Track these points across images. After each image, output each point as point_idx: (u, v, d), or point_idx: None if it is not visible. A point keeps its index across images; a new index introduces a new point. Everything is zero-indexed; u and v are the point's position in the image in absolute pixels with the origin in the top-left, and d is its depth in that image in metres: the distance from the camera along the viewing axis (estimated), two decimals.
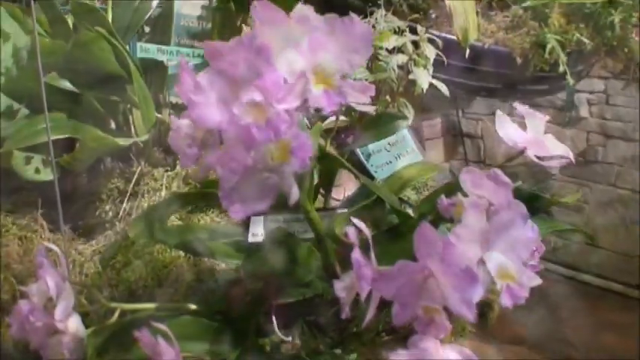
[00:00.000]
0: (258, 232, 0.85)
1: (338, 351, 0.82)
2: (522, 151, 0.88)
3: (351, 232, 0.69)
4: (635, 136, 3.37)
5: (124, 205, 0.97)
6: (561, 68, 1.83)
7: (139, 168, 0.99)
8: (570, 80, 1.84)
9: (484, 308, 1.16)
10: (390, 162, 1.23)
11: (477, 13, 1.73)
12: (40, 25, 1.04)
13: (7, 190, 0.98)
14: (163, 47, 1.00)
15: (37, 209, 0.94)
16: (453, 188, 0.84)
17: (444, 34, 1.72)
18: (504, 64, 1.83)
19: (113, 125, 1.03)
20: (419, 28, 1.26)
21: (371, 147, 1.26)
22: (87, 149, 0.90)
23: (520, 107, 0.90)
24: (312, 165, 0.79)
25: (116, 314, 0.83)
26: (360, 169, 1.17)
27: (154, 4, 1.03)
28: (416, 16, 1.81)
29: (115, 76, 0.95)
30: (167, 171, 1.01)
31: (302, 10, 0.58)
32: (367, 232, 0.70)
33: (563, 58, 1.82)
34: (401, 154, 1.28)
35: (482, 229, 0.67)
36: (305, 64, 0.56)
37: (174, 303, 0.88)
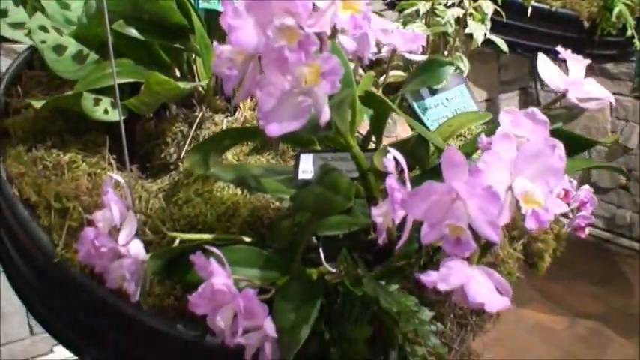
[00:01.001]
0: (307, 170, 0.90)
1: (381, 282, 0.86)
2: (564, 94, 0.90)
3: (387, 161, 0.74)
4: None
5: (186, 147, 1.04)
6: (629, 32, 1.82)
7: (201, 113, 1.05)
8: (638, 44, 1.82)
9: (535, 257, 1.19)
10: (447, 117, 1.26)
11: None
12: None
13: (78, 131, 1.05)
14: None
15: (105, 148, 1.02)
16: (494, 129, 0.87)
17: None
18: (571, 27, 1.83)
19: (178, 73, 1.09)
20: None
21: (428, 101, 1.29)
22: (151, 92, 0.96)
23: (562, 51, 0.92)
24: (353, 99, 0.84)
25: (176, 242, 0.89)
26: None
27: None
28: None
29: (178, 25, 1.02)
30: (227, 117, 1.07)
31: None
32: (403, 161, 0.74)
33: (630, 22, 1.80)
34: (458, 109, 1.31)
35: (511, 159, 0.70)
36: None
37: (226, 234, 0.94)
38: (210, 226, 0.97)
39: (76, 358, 1.03)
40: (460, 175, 0.66)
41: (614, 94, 3.31)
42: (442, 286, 0.67)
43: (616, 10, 1.75)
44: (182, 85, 0.96)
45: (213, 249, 0.81)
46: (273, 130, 0.62)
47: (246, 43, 0.59)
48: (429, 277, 0.69)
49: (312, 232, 0.82)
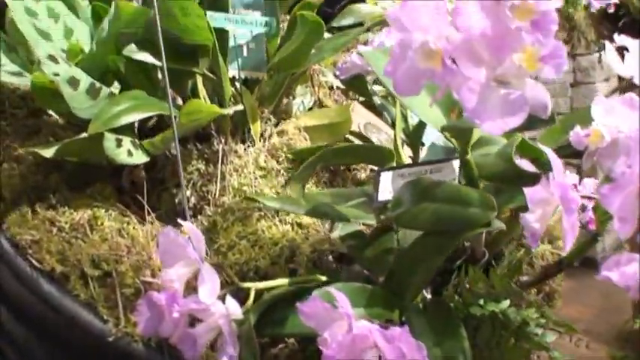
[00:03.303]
0: (387, 189, 0.80)
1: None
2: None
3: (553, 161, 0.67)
4: None
5: (213, 187, 0.90)
6: None
7: (220, 146, 0.92)
8: None
9: None
10: None
11: None
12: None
13: (76, 184, 0.89)
14: (230, 16, 0.93)
15: (124, 196, 0.86)
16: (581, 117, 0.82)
17: None
18: None
19: (180, 101, 0.95)
20: None
21: None
22: (181, 126, 0.82)
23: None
24: None
25: (251, 294, 0.76)
26: None
27: None
28: None
29: (191, 48, 0.88)
30: (248, 147, 0.94)
31: None
32: (558, 160, 0.67)
33: None
34: None
35: None
36: None
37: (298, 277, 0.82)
38: (265, 271, 0.84)
39: None
40: None
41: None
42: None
43: None
44: (225, 111, 0.82)
45: (332, 289, 0.69)
46: (493, 128, 0.52)
47: (474, 26, 0.50)
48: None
49: (446, 253, 0.72)
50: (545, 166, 0.76)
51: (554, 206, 0.69)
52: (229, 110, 0.84)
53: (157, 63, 0.85)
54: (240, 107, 0.90)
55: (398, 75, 0.56)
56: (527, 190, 0.69)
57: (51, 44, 0.87)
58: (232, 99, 0.95)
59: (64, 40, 0.89)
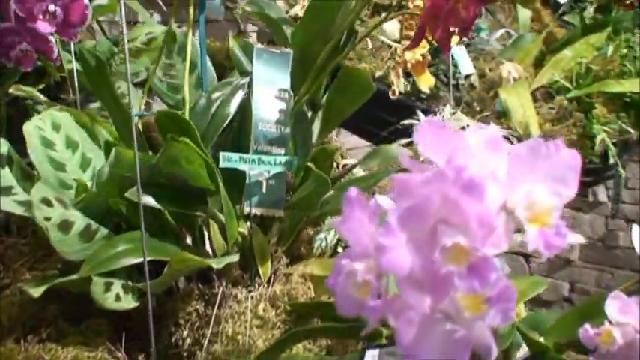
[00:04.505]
0: None
1: None
2: None
3: None
4: None
5: (208, 331, 0.88)
6: (611, 160, 1.78)
7: (221, 289, 0.90)
8: (622, 172, 1.79)
9: None
10: None
11: None
12: (109, 134, 0.97)
13: (75, 315, 0.89)
14: (245, 156, 0.92)
15: (111, 338, 0.85)
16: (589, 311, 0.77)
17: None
18: None
19: (189, 240, 0.95)
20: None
21: None
22: (173, 272, 0.81)
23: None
24: None
25: None
26: None
27: (232, 110, 0.96)
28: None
29: (200, 189, 0.88)
30: (250, 291, 0.92)
31: (493, 133, 0.51)
32: None
33: (612, 150, 1.77)
34: None
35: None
36: (507, 199, 0.48)
37: None
38: None
39: None
40: None
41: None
42: None
43: (599, 139, 1.71)
44: (214, 263, 0.81)
45: None
46: None
47: (401, 267, 0.46)
48: None
49: None
50: None
51: None
52: (220, 264, 0.83)
53: (159, 207, 0.85)
54: (235, 259, 0.88)
55: (337, 292, 0.52)
56: None
57: (64, 175, 0.89)
58: (241, 239, 0.94)
59: (79, 171, 0.91)
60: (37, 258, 0.94)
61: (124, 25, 0.84)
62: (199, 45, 1.02)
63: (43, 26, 0.98)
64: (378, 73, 1.46)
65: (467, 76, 1.74)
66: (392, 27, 1.13)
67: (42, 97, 1.09)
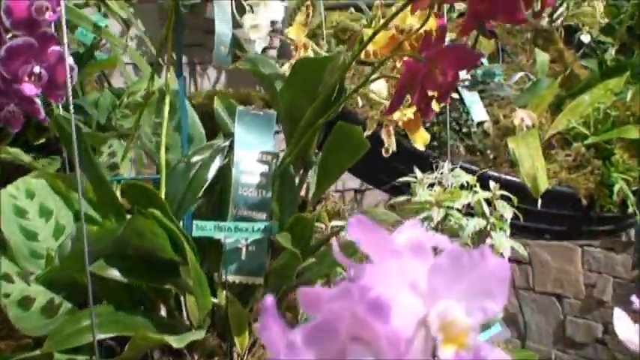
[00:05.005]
0: None
1: None
2: None
3: None
4: None
5: None
6: (630, 209, 1.72)
7: None
8: None
9: None
10: None
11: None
12: (85, 192, 0.95)
13: None
14: (221, 224, 0.90)
15: None
16: None
17: (504, 176, 1.63)
18: (569, 205, 1.73)
19: (164, 311, 0.92)
20: (492, 184, 1.16)
21: None
22: (137, 347, 0.79)
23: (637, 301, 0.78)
24: None
25: None
26: None
27: (211, 175, 0.95)
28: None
29: (168, 261, 0.86)
30: None
31: (419, 237, 0.48)
32: None
33: (632, 199, 1.71)
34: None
35: None
36: (427, 314, 0.45)
37: None
38: None
39: None
40: None
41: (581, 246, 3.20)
42: None
43: (617, 188, 1.66)
44: (175, 343, 0.78)
45: None
46: None
47: None
48: None
49: None
50: None
51: None
52: (181, 343, 0.80)
53: (125, 281, 0.83)
54: (199, 336, 0.85)
55: None
56: None
57: (36, 245, 0.88)
58: (217, 309, 0.92)
59: (52, 240, 0.90)
60: (10, 326, 0.92)
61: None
62: (179, 107, 1.01)
63: (29, 88, 0.98)
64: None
65: (480, 123, 1.70)
66: (379, 85, 1.10)
67: (26, 159, 1.09)
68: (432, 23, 0.87)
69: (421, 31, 0.89)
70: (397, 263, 0.47)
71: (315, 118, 1.02)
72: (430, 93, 0.87)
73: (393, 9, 0.95)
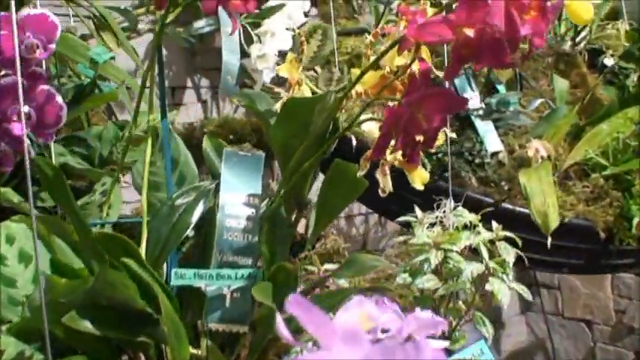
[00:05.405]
0: None
1: None
2: None
3: None
4: None
5: None
6: None
7: None
8: None
9: None
10: None
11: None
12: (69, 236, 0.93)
13: None
14: (201, 271, 0.88)
15: None
16: None
17: (518, 209, 1.58)
18: (587, 239, 1.67)
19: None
20: (494, 225, 1.12)
21: None
22: None
23: None
24: None
25: None
26: None
27: (195, 218, 0.92)
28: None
29: (144, 312, 0.83)
30: None
31: (353, 324, 0.45)
32: None
33: None
34: None
35: None
36: None
37: None
38: None
39: None
40: None
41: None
42: None
43: (635, 221, 1.60)
44: None
45: None
46: None
47: None
48: None
49: None
50: None
51: None
52: None
53: (97, 333, 0.81)
54: None
55: None
56: None
57: (14, 292, 0.86)
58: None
59: (31, 286, 0.88)
60: None
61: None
62: (164, 150, 0.99)
63: (17, 128, 0.98)
64: None
65: (494, 154, 1.65)
66: (371, 126, 1.07)
67: (15, 200, 1.08)
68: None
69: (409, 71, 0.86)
70: (335, 350, 0.44)
71: (306, 157, 0.99)
72: (417, 137, 0.84)
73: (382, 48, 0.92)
